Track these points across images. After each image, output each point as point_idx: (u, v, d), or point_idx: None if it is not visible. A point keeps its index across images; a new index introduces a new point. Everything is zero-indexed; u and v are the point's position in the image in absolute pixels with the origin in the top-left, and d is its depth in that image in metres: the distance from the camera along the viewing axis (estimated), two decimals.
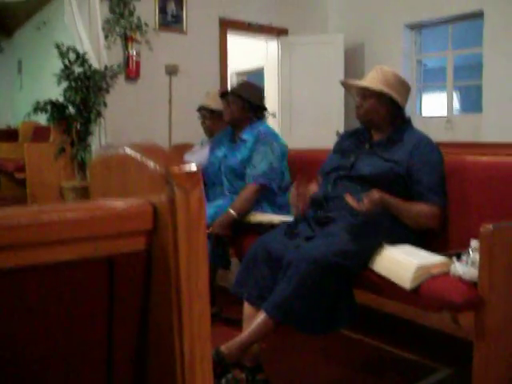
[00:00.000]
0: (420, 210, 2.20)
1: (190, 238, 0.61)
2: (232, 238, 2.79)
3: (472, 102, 5.21)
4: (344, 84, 2.54)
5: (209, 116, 3.42)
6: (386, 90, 2.27)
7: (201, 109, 3.48)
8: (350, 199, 2.12)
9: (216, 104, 3.33)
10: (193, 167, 0.63)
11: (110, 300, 0.64)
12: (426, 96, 5.73)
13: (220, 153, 3.09)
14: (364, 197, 2.13)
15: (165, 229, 0.63)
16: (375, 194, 2.13)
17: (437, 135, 5.06)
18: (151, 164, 0.63)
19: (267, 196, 2.92)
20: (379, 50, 5.61)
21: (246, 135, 2.97)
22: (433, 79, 5.80)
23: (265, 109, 3.09)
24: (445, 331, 2.44)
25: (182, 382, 0.63)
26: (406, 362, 2.29)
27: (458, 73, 5.41)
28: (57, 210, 0.59)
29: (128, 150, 0.67)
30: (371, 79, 2.33)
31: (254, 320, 2.00)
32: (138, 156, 0.64)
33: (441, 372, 2.17)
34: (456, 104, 5.57)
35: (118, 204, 0.63)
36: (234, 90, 3.04)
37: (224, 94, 3.07)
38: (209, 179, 3.12)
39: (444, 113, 5.35)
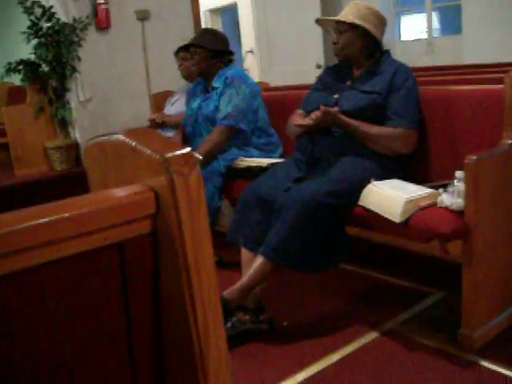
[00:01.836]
0: (383, 132, 2.21)
1: (192, 218, 0.65)
2: (223, 184, 2.83)
3: (452, 23, 5.12)
4: (319, 22, 2.51)
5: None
6: (358, 22, 2.26)
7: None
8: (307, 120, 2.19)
9: None
10: (187, 150, 0.66)
11: (123, 280, 0.68)
12: (405, 19, 5.62)
13: (195, 104, 3.07)
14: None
15: (167, 211, 0.66)
16: (332, 110, 2.20)
17: (418, 59, 5.02)
18: (147, 151, 0.65)
19: (242, 138, 2.90)
20: None
21: (217, 83, 2.95)
22: (411, 0, 5.66)
23: (230, 53, 3.03)
24: (434, 255, 2.54)
25: (198, 348, 0.69)
26: (399, 288, 2.40)
27: None
28: (67, 207, 0.62)
29: (122, 137, 0.69)
30: (345, 14, 2.32)
31: (253, 264, 2.07)
32: (133, 143, 0.67)
33: (433, 295, 2.28)
34: (436, 25, 5.48)
35: (122, 193, 0.66)
36: (193, 41, 2.97)
37: (186, 48, 2.99)
38: (188, 132, 3.11)
39: (424, 35, 5.27)
